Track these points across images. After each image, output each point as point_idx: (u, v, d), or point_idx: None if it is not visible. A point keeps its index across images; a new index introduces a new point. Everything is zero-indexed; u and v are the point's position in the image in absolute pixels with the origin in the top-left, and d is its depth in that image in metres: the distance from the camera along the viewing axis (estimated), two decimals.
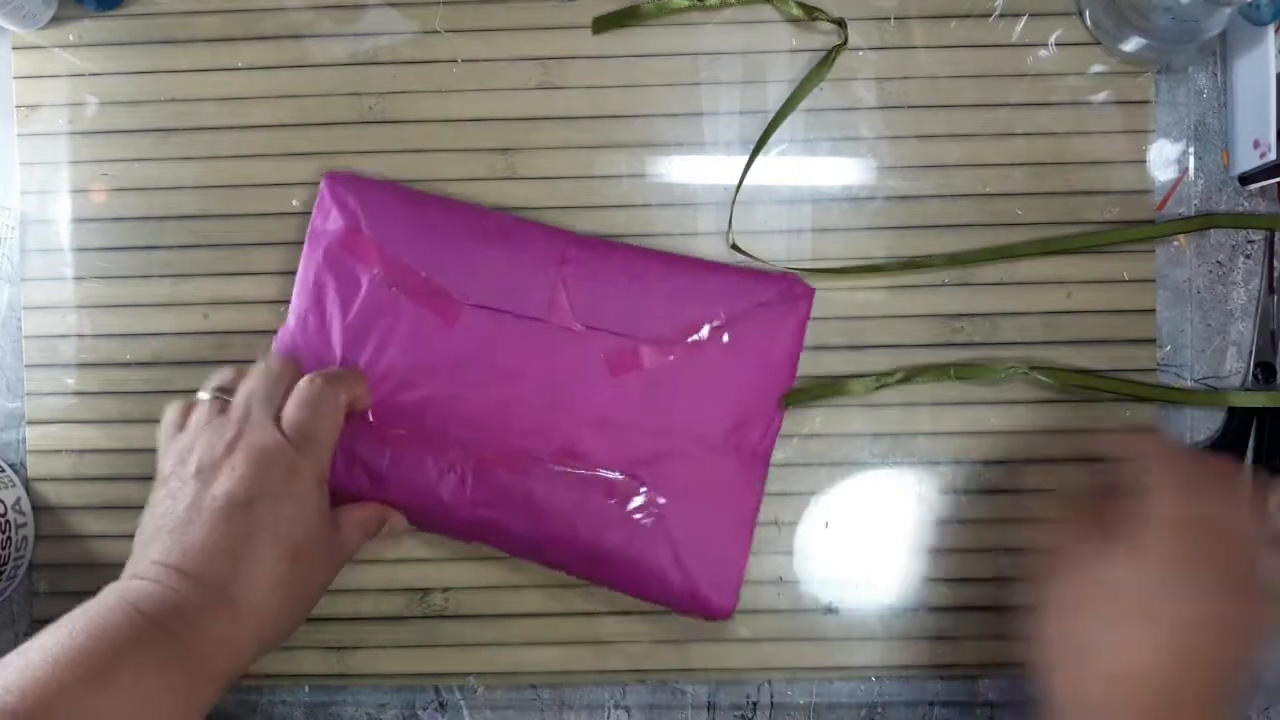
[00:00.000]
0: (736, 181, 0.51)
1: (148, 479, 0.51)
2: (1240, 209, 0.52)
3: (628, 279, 0.49)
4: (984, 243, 0.51)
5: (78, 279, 0.52)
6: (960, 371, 0.50)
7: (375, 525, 0.47)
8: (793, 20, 0.51)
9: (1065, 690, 0.39)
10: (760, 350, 0.49)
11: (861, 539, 0.51)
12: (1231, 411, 0.50)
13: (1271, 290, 0.51)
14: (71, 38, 0.52)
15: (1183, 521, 0.39)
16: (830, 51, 0.51)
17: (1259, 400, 0.49)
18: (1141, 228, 0.51)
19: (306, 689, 0.52)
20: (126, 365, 0.52)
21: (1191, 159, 0.51)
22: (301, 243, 0.50)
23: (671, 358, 0.48)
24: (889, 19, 0.51)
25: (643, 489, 0.48)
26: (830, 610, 0.51)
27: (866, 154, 0.51)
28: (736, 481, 0.49)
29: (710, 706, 0.52)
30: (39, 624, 0.52)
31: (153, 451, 0.51)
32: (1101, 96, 0.51)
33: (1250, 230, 0.51)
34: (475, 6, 0.52)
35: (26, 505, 0.52)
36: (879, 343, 0.51)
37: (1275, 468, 0.50)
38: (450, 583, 0.52)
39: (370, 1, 0.52)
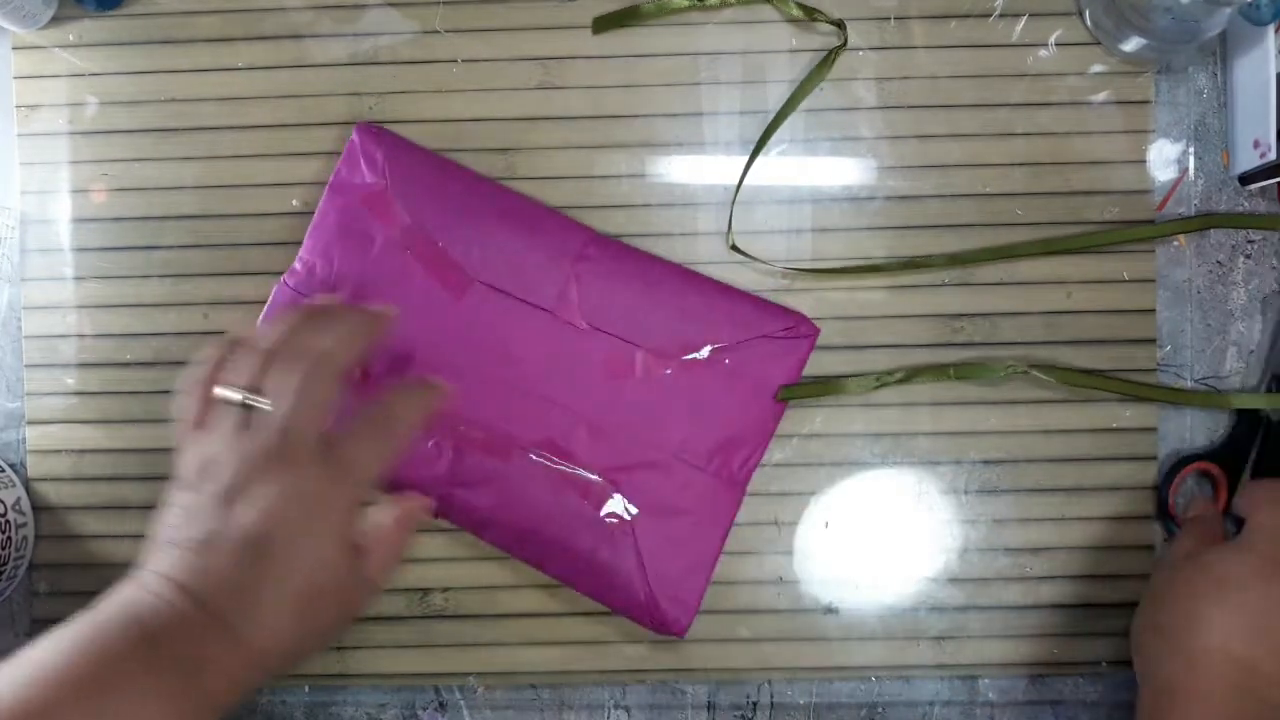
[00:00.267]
0: (736, 181, 0.51)
1: (148, 479, 0.52)
2: (1240, 209, 0.52)
3: (641, 286, 0.49)
4: (984, 243, 0.51)
5: (78, 279, 0.52)
6: (960, 371, 0.50)
7: (410, 533, 0.44)
8: (792, 21, 0.51)
9: (1165, 668, 0.43)
10: (757, 379, 0.49)
11: (861, 539, 0.51)
12: (1240, 415, 0.50)
13: None
14: (71, 38, 0.52)
15: None
16: (830, 52, 0.51)
17: (1260, 402, 0.49)
18: (1141, 228, 0.51)
19: (306, 689, 0.52)
20: (126, 365, 0.52)
21: (1191, 159, 0.51)
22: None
23: (668, 371, 0.48)
24: (889, 19, 0.51)
25: (617, 495, 0.48)
26: (830, 610, 0.51)
27: (866, 154, 0.51)
28: (712, 502, 0.49)
29: (710, 706, 0.52)
30: (39, 624, 0.52)
31: (153, 451, 0.52)
32: (1101, 96, 0.51)
33: (1250, 230, 0.51)
34: (475, 6, 0.52)
35: (26, 505, 0.52)
36: (879, 343, 0.51)
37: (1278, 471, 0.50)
38: (450, 583, 0.52)
39: (370, 1, 0.52)
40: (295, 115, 0.52)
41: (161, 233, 0.52)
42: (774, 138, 0.51)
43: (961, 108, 0.51)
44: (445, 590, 0.52)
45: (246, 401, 0.40)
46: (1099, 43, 0.51)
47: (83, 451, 0.52)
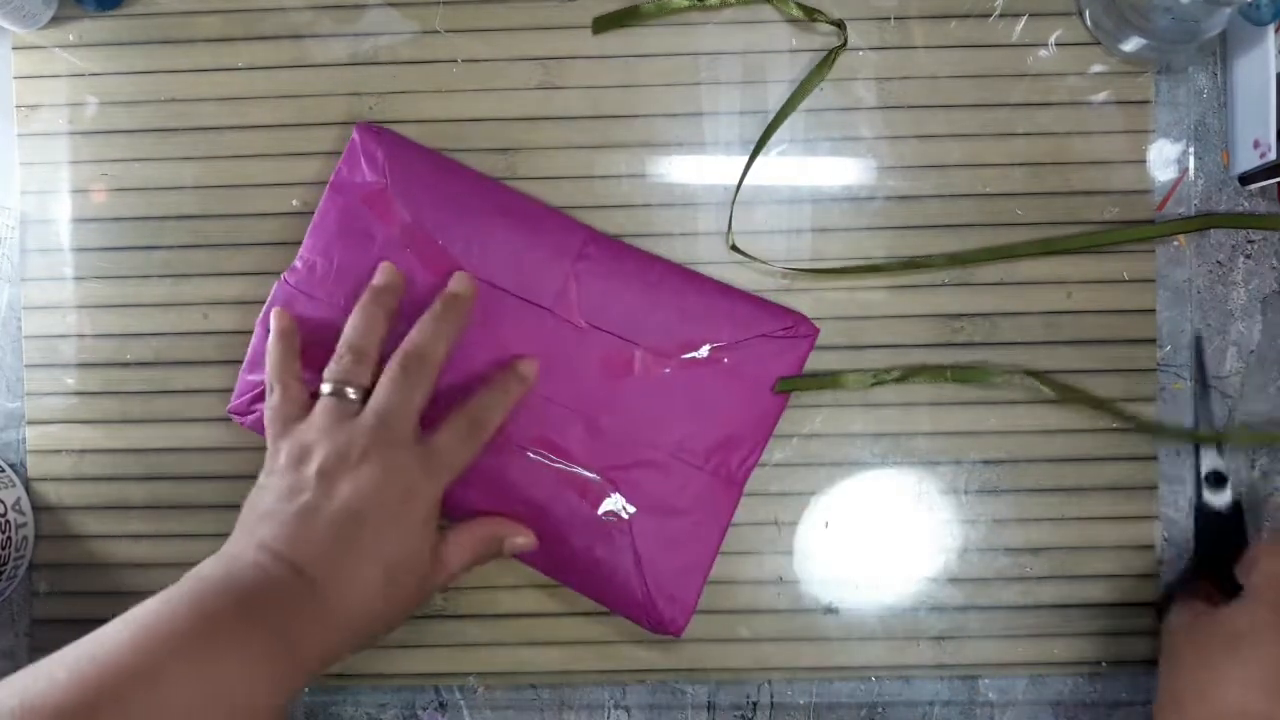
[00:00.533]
0: (736, 181, 0.51)
1: (148, 479, 0.52)
2: (1240, 209, 0.52)
3: (641, 286, 0.49)
4: (984, 243, 0.51)
5: (78, 279, 0.52)
6: (956, 374, 0.50)
7: (486, 548, 0.47)
8: (793, 21, 0.51)
9: None
10: (755, 379, 0.49)
11: (861, 539, 0.51)
12: (1202, 522, 0.51)
13: None
14: (71, 38, 0.52)
15: None
16: (830, 52, 0.51)
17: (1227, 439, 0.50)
18: (1141, 228, 0.51)
19: (306, 689, 0.52)
20: (126, 365, 0.52)
21: (1191, 159, 0.51)
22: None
23: (667, 370, 0.48)
24: (889, 19, 0.51)
25: (615, 494, 0.48)
26: (830, 610, 0.51)
27: (866, 154, 0.51)
28: (710, 501, 0.49)
29: (710, 706, 0.52)
30: (39, 624, 0.52)
31: (153, 451, 0.52)
32: (1101, 96, 0.51)
33: (1250, 230, 0.51)
34: (475, 6, 0.52)
35: (26, 505, 0.52)
36: (879, 342, 0.51)
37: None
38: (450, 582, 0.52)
39: (370, 1, 0.52)
40: (295, 115, 0.52)
41: (161, 233, 0.52)
42: (774, 138, 0.51)
43: (961, 108, 0.51)
44: (445, 590, 0.52)
45: (345, 394, 0.44)
46: (1099, 43, 0.51)
47: (83, 451, 0.52)
